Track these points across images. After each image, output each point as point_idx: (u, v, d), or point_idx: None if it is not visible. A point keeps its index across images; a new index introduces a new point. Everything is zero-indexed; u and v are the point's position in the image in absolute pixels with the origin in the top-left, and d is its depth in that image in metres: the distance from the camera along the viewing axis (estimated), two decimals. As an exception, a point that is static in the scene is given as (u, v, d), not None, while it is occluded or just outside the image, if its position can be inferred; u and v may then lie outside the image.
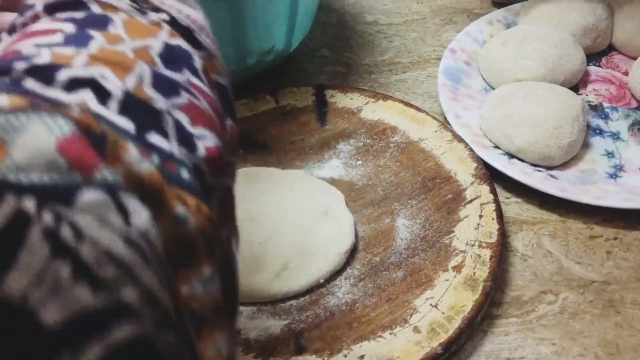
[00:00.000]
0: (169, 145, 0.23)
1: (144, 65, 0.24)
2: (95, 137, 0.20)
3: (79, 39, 0.24)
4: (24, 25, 0.26)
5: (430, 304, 0.45)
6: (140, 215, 0.20)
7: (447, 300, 0.45)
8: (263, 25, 0.59)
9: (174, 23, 0.28)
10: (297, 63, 0.72)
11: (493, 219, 0.50)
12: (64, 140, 0.19)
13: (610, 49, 0.71)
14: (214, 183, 0.26)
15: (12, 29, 0.26)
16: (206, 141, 0.25)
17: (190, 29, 0.29)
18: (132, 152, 0.21)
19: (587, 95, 0.65)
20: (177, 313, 0.21)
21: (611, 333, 0.46)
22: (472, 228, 0.50)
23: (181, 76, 0.26)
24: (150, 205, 0.21)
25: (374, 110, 0.61)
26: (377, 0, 0.81)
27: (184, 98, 0.25)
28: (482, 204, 0.52)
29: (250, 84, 0.67)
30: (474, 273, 0.47)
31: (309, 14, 0.66)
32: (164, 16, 0.28)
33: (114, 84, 0.23)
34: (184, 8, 0.29)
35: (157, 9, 0.28)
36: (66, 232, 0.18)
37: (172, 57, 0.26)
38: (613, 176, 0.57)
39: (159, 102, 0.24)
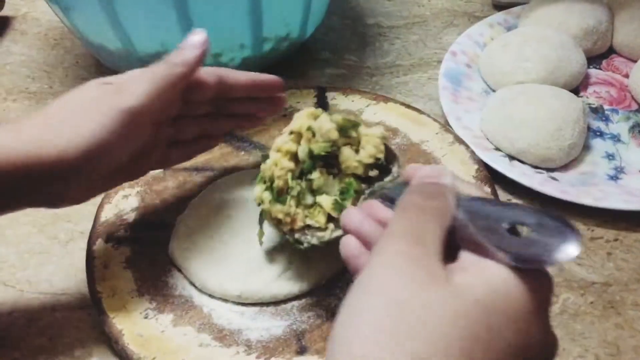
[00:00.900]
0: None
1: None
2: None
3: None
4: None
5: (432, 305, 0.45)
6: None
7: (448, 301, 0.45)
8: (279, 13, 0.60)
9: None
10: (299, 65, 0.72)
11: (494, 220, 0.50)
12: None
13: (611, 51, 0.71)
14: None
15: None
16: None
17: None
18: None
19: (587, 97, 0.66)
20: None
21: (612, 334, 0.47)
22: (473, 229, 0.50)
23: None
24: None
25: (375, 113, 0.61)
26: (379, 3, 0.82)
27: None
28: (483, 206, 0.52)
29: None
30: (475, 274, 0.47)
31: (323, 2, 0.67)
32: None
33: None
34: None
35: None
36: None
37: None
38: (613, 178, 0.57)
39: None
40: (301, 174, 0.43)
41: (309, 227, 0.43)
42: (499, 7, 0.79)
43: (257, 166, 0.46)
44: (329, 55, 0.74)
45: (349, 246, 0.36)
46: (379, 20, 0.79)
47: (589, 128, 0.61)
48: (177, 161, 0.50)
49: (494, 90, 0.66)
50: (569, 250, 0.26)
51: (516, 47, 0.64)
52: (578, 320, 0.47)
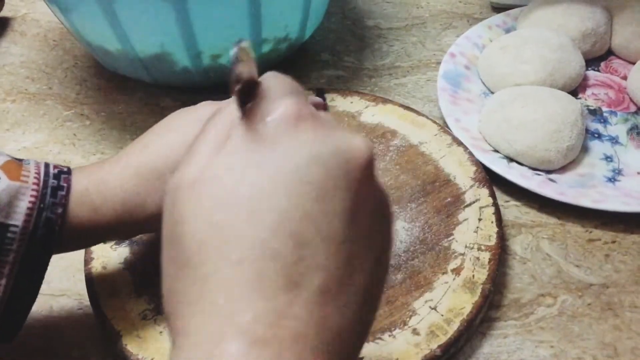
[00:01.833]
0: None
1: None
2: None
3: None
4: None
5: (430, 307, 0.45)
6: None
7: (446, 303, 0.45)
8: (278, 14, 0.60)
9: None
10: (298, 67, 0.72)
11: (492, 222, 0.51)
12: None
13: (609, 53, 0.71)
14: None
15: None
16: None
17: None
18: None
19: (586, 99, 0.66)
20: None
21: (609, 336, 0.47)
22: (471, 231, 0.50)
23: None
24: None
25: (373, 114, 0.61)
26: (378, 4, 0.82)
27: None
28: (481, 207, 0.52)
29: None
30: (473, 276, 0.47)
31: (322, 4, 0.67)
32: None
33: None
34: None
35: None
36: None
37: None
38: (612, 180, 0.57)
39: None
40: None
41: None
42: (497, 9, 0.79)
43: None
44: (328, 56, 0.74)
45: None
46: (377, 22, 0.79)
47: (587, 130, 0.61)
48: None
49: (492, 92, 0.66)
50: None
51: (515, 49, 0.64)
52: (576, 322, 0.48)
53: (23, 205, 0.37)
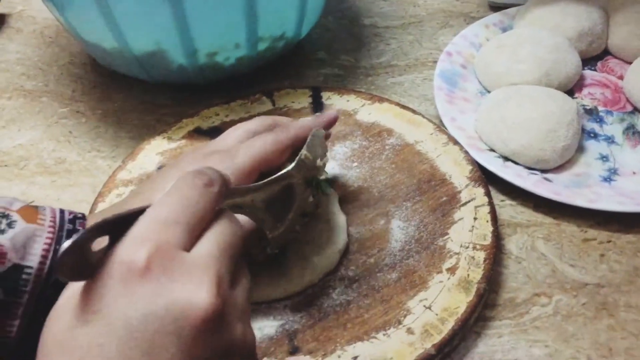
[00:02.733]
0: None
1: None
2: None
3: None
4: None
5: (424, 306, 0.45)
6: None
7: (440, 302, 0.45)
8: (275, 12, 0.60)
9: None
10: (294, 65, 0.72)
11: (487, 221, 0.51)
12: None
13: (606, 53, 0.71)
14: None
15: None
16: None
17: None
18: None
19: (582, 99, 0.66)
20: None
21: (604, 335, 0.47)
22: (467, 230, 0.50)
23: None
24: None
25: (370, 113, 0.61)
26: (374, 3, 0.82)
27: None
28: (476, 207, 0.52)
29: (247, 85, 0.67)
30: (468, 275, 0.47)
31: (319, 2, 0.67)
32: None
33: None
34: None
35: None
36: None
37: None
38: (607, 180, 0.57)
39: None
40: None
41: None
42: (494, 8, 0.79)
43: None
44: (325, 55, 0.74)
45: None
46: (374, 21, 0.79)
47: (583, 129, 0.61)
48: None
49: (488, 91, 0.66)
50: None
51: (511, 49, 0.64)
52: (570, 321, 0.48)
53: (38, 247, 0.37)
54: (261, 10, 0.58)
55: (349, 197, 0.54)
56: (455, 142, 0.57)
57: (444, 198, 0.53)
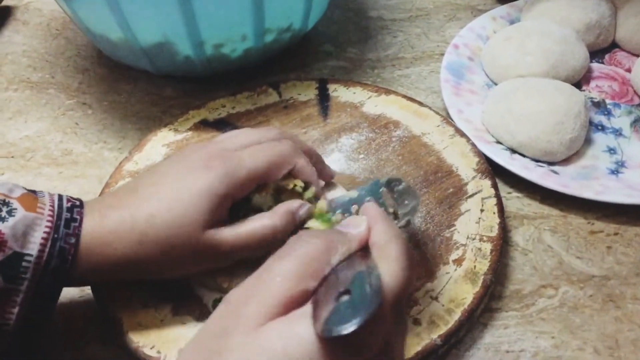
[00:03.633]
0: None
1: None
2: None
3: None
4: None
5: (431, 297, 0.45)
6: None
7: (447, 293, 0.45)
8: (281, 4, 0.60)
9: None
10: (301, 57, 0.72)
11: (494, 213, 0.51)
12: None
13: (613, 46, 0.71)
14: None
15: None
16: None
17: None
18: None
19: (589, 91, 0.65)
20: None
21: (610, 327, 0.47)
22: (473, 222, 0.50)
23: None
24: None
25: (376, 105, 0.61)
26: (381, -5, 0.81)
27: None
28: (483, 199, 0.52)
29: (253, 76, 0.67)
30: (475, 266, 0.47)
31: None
32: None
33: None
34: None
35: None
36: None
37: None
38: (614, 172, 0.57)
39: None
40: None
41: None
42: (501, 1, 0.79)
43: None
44: (331, 47, 0.74)
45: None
46: (381, 13, 0.79)
47: (590, 122, 0.61)
48: None
49: (495, 84, 0.65)
50: (343, 329, 0.26)
51: (518, 41, 0.64)
52: (577, 313, 0.47)
53: (38, 235, 0.38)
54: (268, 2, 0.58)
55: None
56: (462, 134, 0.57)
57: (451, 190, 0.53)
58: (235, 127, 0.60)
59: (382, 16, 0.78)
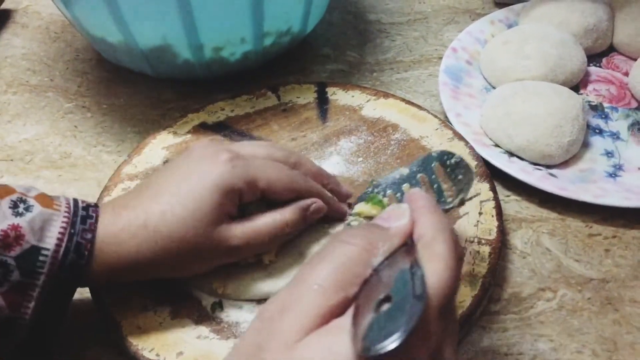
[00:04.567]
0: None
1: None
2: None
3: None
4: None
5: (429, 300, 0.45)
6: None
7: (446, 296, 0.45)
8: (281, 7, 0.60)
9: None
10: (300, 61, 0.72)
11: (492, 216, 0.51)
12: None
13: (611, 49, 0.71)
14: None
15: None
16: None
17: None
18: None
19: (587, 95, 0.66)
20: None
21: (609, 330, 0.47)
22: (472, 225, 0.50)
23: None
24: None
25: (375, 108, 0.61)
26: (380, -1, 0.82)
27: None
28: (481, 202, 0.52)
29: (252, 80, 0.67)
30: (473, 269, 0.47)
31: None
32: None
33: None
34: None
35: None
36: None
37: None
38: (612, 175, 0.57)
39: None
40: None
41: None
42: (500, 4, 0.79)
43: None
44: (330, 51, 0.74)
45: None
46: (380, 17, 0.79)
47: (588, 125, 0.61)
48: None
49: (494, 87, 0.66)
50: (382, 348, 0.24)
51: (516, 45, 0.64)
52: (575, 316, 0.48)
53: (55, 230, 0.38)
54: (267, 5, 0.58)
55: (354, 192, 0.54)
56: (461, 138, 0.57)
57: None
58: (234, 130, 0.60)
59: (380, 20, 0.78)
